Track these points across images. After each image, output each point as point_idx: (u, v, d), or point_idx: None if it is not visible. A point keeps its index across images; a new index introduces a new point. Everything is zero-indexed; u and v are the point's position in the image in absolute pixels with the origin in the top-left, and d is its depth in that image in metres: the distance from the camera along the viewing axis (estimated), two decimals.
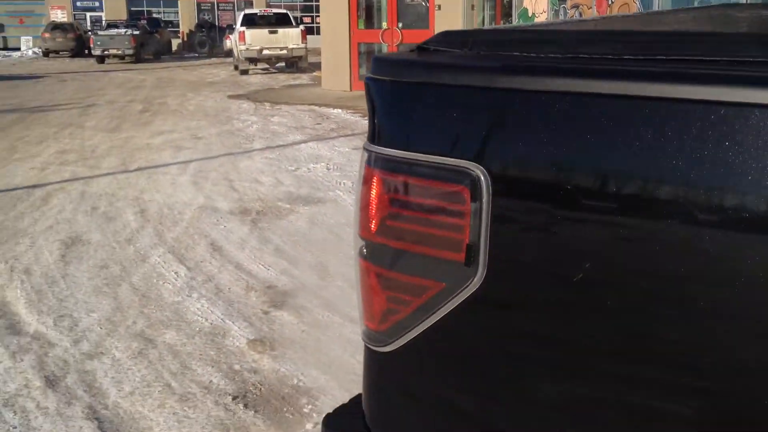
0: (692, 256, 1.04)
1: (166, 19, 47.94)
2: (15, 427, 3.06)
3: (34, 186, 7.46)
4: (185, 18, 46.58)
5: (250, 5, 44.40)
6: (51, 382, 3.43)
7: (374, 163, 1.35)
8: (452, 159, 1.24)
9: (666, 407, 1.09)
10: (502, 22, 14.58)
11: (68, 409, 3.20)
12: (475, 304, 1.24)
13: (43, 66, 28.82)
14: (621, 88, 1.10)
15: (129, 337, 3.90)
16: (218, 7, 45.49)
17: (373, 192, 1.35)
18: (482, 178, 1.21)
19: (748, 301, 0.99)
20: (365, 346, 1.44)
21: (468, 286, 1.24)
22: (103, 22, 42.88)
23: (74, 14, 47.68)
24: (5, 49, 44.15)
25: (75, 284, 4.68)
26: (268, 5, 43.63)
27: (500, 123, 1.24)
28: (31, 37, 42.50)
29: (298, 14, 32.25)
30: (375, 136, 1.36)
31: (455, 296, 1.26)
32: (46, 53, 36.93)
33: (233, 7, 44.09)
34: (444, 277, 1.28)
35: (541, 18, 12.37)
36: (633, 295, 1.11)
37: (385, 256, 1.36)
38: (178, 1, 47.66)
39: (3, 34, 46.93)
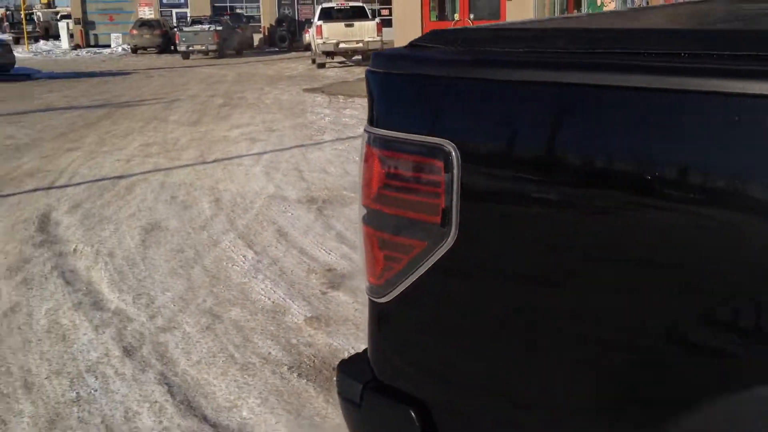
0: (611, 216, 1.25)
1: (248, 14, 48.88)
2: (96, 390, 3.43)
3: (120, 177, 7.96)
4: (266, 13, 47.44)
5: None
6: (128, 352, 3.79)
7: (372, 142, 1.58)
8: (430, 137, 1.47)
9: (612, 359, 1.30)
10: (575, 11, 14.52)
11: (142, 375, 3.55)
12: (450, 260, 1.47)
13: (131, 62, 29.96)
14: (557, 77, 1.31)
15: (198, 314, 4.24)
16: (298, 1, 46.15)
17: (372, 166, 1.59)
18: (453, 153, 1.43)
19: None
20: (368, 298, 1.68)
21: (444, 244, 1.47)
22: (188, 19, 44.11)
23: (161, 11, 49.10)
24: (96, 46, 45.89)
25: (153, 266, 5.07)
26: None
27: (468, 108, 1.46)
28: (120, 34, 44.01)
29: (377, 7, 32.50)
30: (373, 119, 1.60)
31: (434, 253, 1.49)
32: (134, 50, 38.26)
33: (313, 1, 44.65)
34: (426, 237, 1.51)
35: (609, 7, 12.31)
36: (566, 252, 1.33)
37: (381, 221, 1.59)
38: None
39: (94, 32, 48.75)
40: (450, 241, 1.45)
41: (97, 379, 3.54)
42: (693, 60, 1.21)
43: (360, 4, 26.97)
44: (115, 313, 4.30)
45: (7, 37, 47.69)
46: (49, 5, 63.95)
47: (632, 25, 1.79)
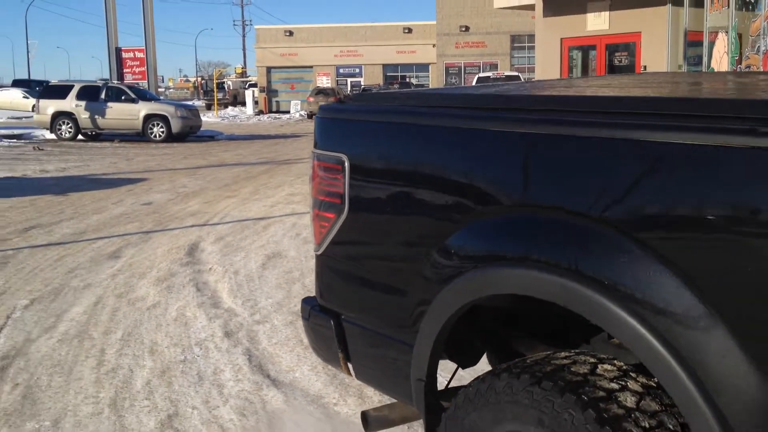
0: (415, 205, 2.29)
1: (418, 82, 51.17)
2: (198, 356, 4.64)
3: (261, 218, 9.42)
4: (434, 81, 49.50)
5: (495, 68, 46.39)
6: (228, 334, 5.00)
7: (315, 156, 2.68)
8: (335, 152, 2.55)
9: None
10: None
11: (233, 349, 4.74)
12: (345, 226, 2.53)
13: (305, 126, 32.50)
14: (398, 119, 2.37)
15: (287, 314, 5.40)
16: (465, 70, 47.95)
17: (313, 170, 2.68)
18: (346, 161, 2.50)
19: None
20: (315, 253, 2.75)
21: (342, 216, 2.53)
22: (361, 87, 46.90)
23: (337, 80, 52.42)
24: (277, 111, 49.71)
25: (265, 282, 6.32)
26: (513, 68, 45.35)
27: (356, 135, 2.54)
28: (299, 101, 47.51)
29: (527, 75, 33.55)
30: (315, 143, 2.69)
31: (338, 221, 2.55)
32: (309, 115, 41.25)
33: (479, 69, 46.35)
34: (335, 212, 2.58)
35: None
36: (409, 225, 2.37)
37: (317, 203, 2.68)
38: (430, 66, 50.85)
39: (276, 99, 52.75)
40: (345, 214, 2.52)
41: (201, 349, 4.76)
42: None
43: (515, 73, 28.20)
44: (226, 310, 5.55)
45: (200, 103, 52.57)
46: (243, 75, 69.71)
47: (454, 91, 2.81)
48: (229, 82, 59.30)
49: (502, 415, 2.05)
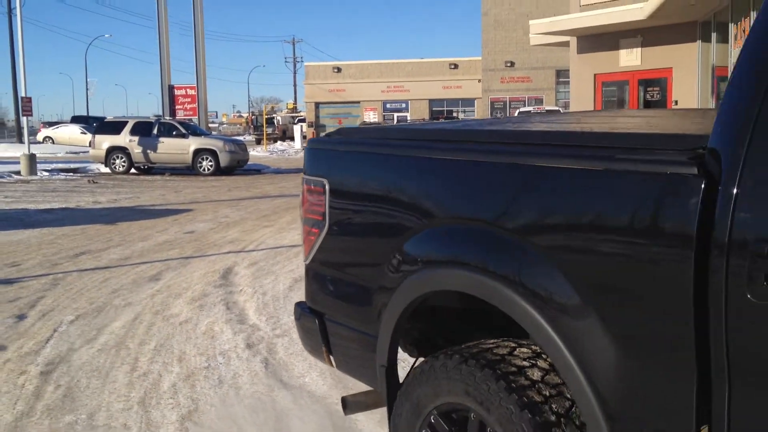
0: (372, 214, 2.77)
1: (465, 116, 51.72)
2: (220, 363, 5.14)
3: (294, 245, 9.96)
4: (480, 115, 49.96)
5: (540, 102, 46.71)
6: (249, 346, 5.50)
7: (303, 181, 3.17)
8: (319, 177, 3.04)
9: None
10: None
11: (253, 358, 5.23)
12: (327, 239, 3.01)
13: None
14: (375, 150, 2.85)
15: None
16: (510, 105, 48.37)
17: (303, 192, 3.17)
18: (327, 185, 2.99)
19: None
20: (304, 264, 3.23)
21: (324, 230, 3.01)
22: (407, 121, 47.57)
23: (384, 115, 53.21)
24: None
25: (289, 302, 6.81)
26: (558, 102, 45.62)
27: (335, 163, 3.03)
28: None
29: (563, 109, 33.77)
30: (304, 170, 3.19)
31: (321, 235, 3.03)
32: None
33: (524, 104, 46.70)
34: (319, 227, 3.06)
35: None
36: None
37: (306, 221, 3.16)
38: (475, 101, 51.38)
39: (324, 133, 53.75)
40: (327, 227, 3.00)
41: (224, 358, 5.26)
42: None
43: (555, 107, 28.56)
44: (251, 326, 6.05)
45: (250, 138, 53.77)
46: (294, 110, 71.07)
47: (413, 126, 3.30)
48: (279, 118, 60.66)
49: (439, 389, 2.49)
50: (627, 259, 1.96)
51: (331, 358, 3.15)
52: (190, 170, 25.45)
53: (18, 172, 24.60)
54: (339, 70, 53.60)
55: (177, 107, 30.36)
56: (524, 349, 2.44)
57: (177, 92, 30.44)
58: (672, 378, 1.88)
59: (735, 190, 1.74)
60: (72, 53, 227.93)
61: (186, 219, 13.35)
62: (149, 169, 26.31)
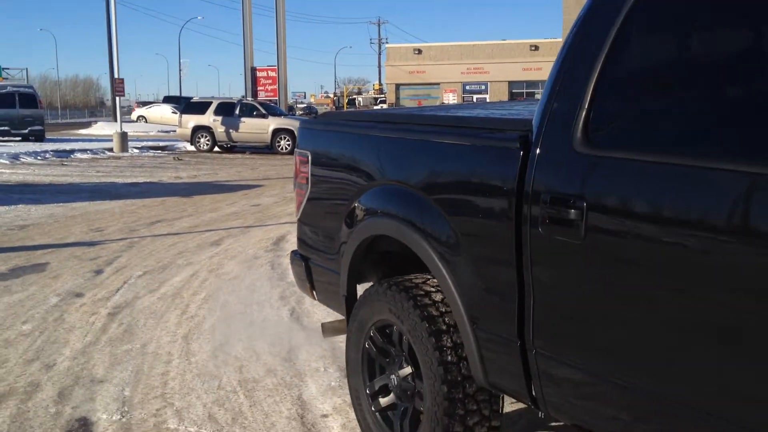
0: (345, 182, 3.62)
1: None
2: (255, 310, 6.07)
3: None
4: None
5: None
6: (281, 298, 6.44)
7: (296, 153, 4.04)
8: (305, 150, 3.90)
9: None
10: None
11: (282, 307, 6.15)
12: (310, 198, 3.87)
13: None
14: (340, 129, 3.71)
15: None
16: None
17: (295, 162, 4.04)
18: (310, 156, 3.85)
19: None
20: (296, 219, 4.09)
21: (308, 191, 3.88)
22: (486, 102, 47.71)
23: (463, 96, 53.55)
24: None
25: None
26: None
27: (316, 139, 3.89)
28: None
29: None
30: (297, 144, 4.05)
31: (307, 194, 3.90)
32: None
33: None
34: (305, 189, 3.93)
35: None
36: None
37: (297, 185, 4.02)
38: None
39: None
40: (309, 189, 3.86)
41: (258, 306, 6.20)
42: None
43: None
44: (288, 282, 6.97)
45: None
46: (380, 91, 72.11)
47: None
48: (360, 99, 61.85)
49: (374, 309, 3.32)
50: (480, 207, 2.75)
51: (314, 292, 4.01)
52: (269, 149, 26.69)
53: (111, 149, 26.37)
54: (420, 51, 54.23)
55: (259, 88, 31.72)
56: (434, 281, 3.24)
57: (259, 74, 31.79)
58: (503, 294, 2.65)
59: (535, 157, 2.50)
60: (167, 35, 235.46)
61: (255, 193, 14.44)
62: (231, 148, 27.69)
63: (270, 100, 31.24)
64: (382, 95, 64.24)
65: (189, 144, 27.75)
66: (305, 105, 68.23)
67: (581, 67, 2.45)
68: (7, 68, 49.38)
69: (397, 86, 55.16)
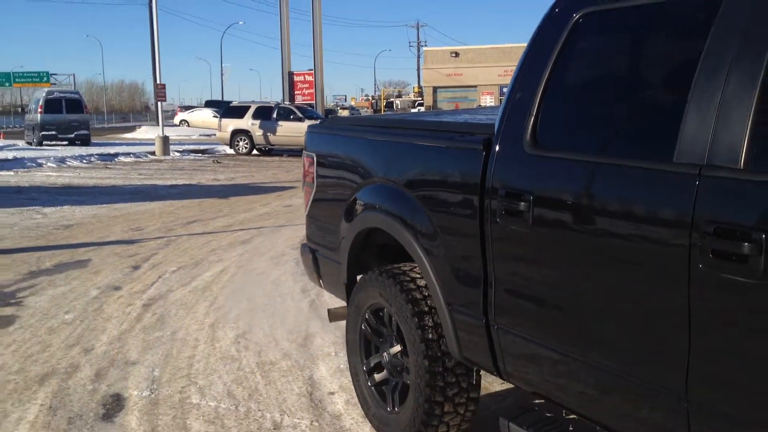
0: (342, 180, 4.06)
1: None
2: (278, 302, 6.52)
3: None
4: None
5: None
6: (303, 291, 6.89)
7: (304, 154, 4.47)
8: (310, 152, 4.34)
9: None
10: None
11: (303, 300, 6.59)
12: (316, 195, 4.31)
13: None
14: (341, 132, 4.14)
15: None
16: None
17: (304, 163, 4.47)
18: (315, 157, 4.29)
19: None
20: (305, 214, 4.53)
21: (315, 188, 4.32)
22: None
23: (500, 99, 53.51)
24: None
25: None
26: None
27: (321, 141, 4.32)
28: None
29: None
30: (305, 147, 4.49)
31: (313, 192, 4.33)
32: None
33: None
34: (311, 188, 4.36)
35: None
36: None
37: (305, 184, 4.46)
38: None
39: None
40: (315, 188, 4.29)
41: (281, 298, 6.65)
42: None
43: None
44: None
45: None
46: (419, 94, 72.47)
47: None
48: (398, 102, 62.32)
49: (368, 293, 3.73)
50: (452, 202, 3.14)
51: (321, 281, 4.44)
52: None
53: (153, 153, 27.18)
54: (457, 54, 54.50)
55: (296, 92, 32.35)
56: (419, 269, 3.63)
57: (296, 78, 32.43)
58: (472, 281, 3.04)
59: (495, 157, 2.89)
60: (209, 40, 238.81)
61: (288, 195, 14.94)
62: (269, 151, 28.31)
63: (307, 104, 31.82)
64: (420, 98, 64.62)
65: (228, 147, 28.43)
66: (347, 107, 69.04)
67: (530, 82, 2.85)
68: (55, 74, 50.83)
69: (435, 89, 55.50)
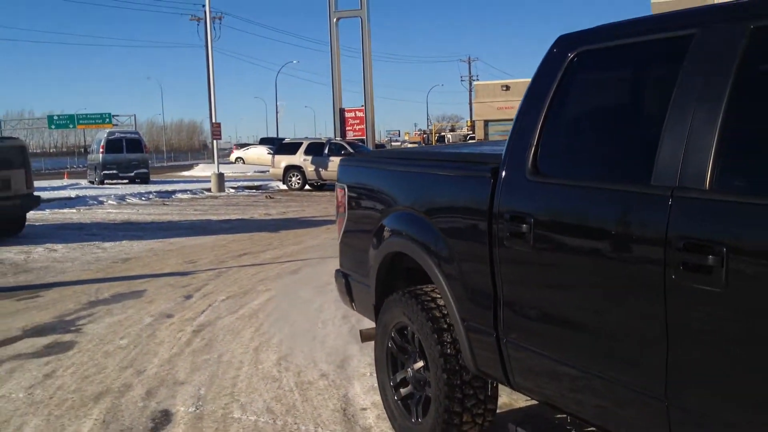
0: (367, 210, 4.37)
1: None
2: (319, 327, 6.81)
3: None
4: None
5: None
6: (344, 317, 7.16)
7: (336, 186, 4.80)
8: (342, 183, 4.67)
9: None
10: None
11: (344, 325, 6.89)
12: (349, 225, 4.62)
13: None
14: (367, 165, 4.47)
15: None
16: None
17: (336, 193, 4.80)
18: (346, 188, 4.61)
19: None
20: (338, 241, 4.84)
21: (346, 218, 4.64)
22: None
23: None
24: None
25: None
26: None
27: (350, 173, 4.65)
28: None
29: None
30: (337, 178, 4.82)
31: (345, 221, 4.66)
32: None
33: None
34: (342, 217, 4.68)
35: None
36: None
37: (337, 214, 4.78)
38: None
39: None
40: (346, 216, 4.61)
41: (322, 324, 6.95)
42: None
43: None
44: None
45: None
46: (472, 128, 72.73)
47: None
48: (449, 136, 62.73)
49: (394, 313, 4.01)
50: (465, 226, 3.42)
51: (353, 304, 4.73)
52: None
53: (209, 189, 27.96)
54: (507, 88, 54.76)
55: (347, 128, 32.94)
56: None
57: (347, 114, 33.04)
58: (484, 299, 3.30)
59: (501, 184, 3.17)
60: (265, 79, 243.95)
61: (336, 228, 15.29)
62: (321, 186, 28.83)
63: (358, 139, 32.37)
64: (472, 132, 64.88)
65: (281, 183, 29.05)
66: (400, 142, 69.66)
67: (532, 115, 3.13)
68: (117, 115, 52.64)
69: (486, 122, 55.76)
